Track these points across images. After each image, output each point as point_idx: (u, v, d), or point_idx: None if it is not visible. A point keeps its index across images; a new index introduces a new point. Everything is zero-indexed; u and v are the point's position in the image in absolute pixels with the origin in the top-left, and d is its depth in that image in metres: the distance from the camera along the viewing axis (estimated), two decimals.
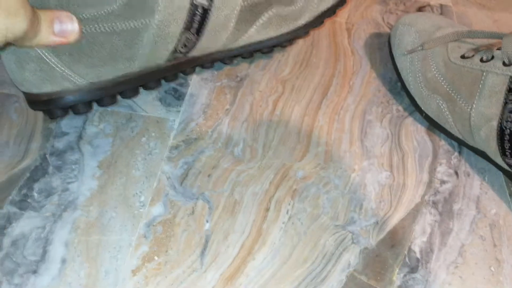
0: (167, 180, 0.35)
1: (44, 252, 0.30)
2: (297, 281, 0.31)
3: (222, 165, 0.37)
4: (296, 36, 0.43)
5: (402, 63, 0.42)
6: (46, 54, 0.30)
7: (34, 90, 0.32)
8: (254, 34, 0.39)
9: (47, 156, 0.36)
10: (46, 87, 0.32)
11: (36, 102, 0.33)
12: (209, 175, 0.36)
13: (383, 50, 0.48)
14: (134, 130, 0.38)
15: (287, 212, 0.34)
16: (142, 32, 0.32)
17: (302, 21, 0.42)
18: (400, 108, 0.43)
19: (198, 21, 0.34)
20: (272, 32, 0.40)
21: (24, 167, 0.35)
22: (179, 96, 0.41)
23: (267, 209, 0.34)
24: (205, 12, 0.34)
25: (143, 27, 0.32)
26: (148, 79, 0.37)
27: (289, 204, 0.35)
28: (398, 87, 0.45)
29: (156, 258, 0.31)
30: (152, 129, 0.38)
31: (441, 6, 0.56)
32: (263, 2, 0.38)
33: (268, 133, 0.39)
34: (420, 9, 0.55)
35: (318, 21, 0.43)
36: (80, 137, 0.37)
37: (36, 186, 0.34)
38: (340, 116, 0.42)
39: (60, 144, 0.37)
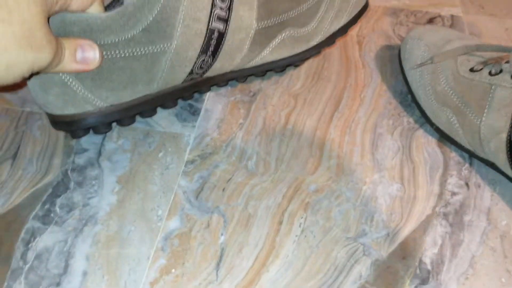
0: (183, 194, 0.36)
1: (66, 265, 0.32)
2: None
3: (236, 179, 0.38)
4: (309, 55, 0.44)
5: (412, 77, 0.43)
6: (69, 79, 0.32)
7: (57, 112, 0.34)
8: (268, 55, 0.41)
9: (69, 172, 0.37)
10: (68, 110, 0.34)
11: (58, 123, 0.35)
12: (223, 189, 0.37)
13: (394, 63, 0.49)
14: (152, 146, 0.40)
15: (299, 225, 0.35)
16: (160, 56, 0.34)
17: (314, 41, 0.43)
18: (411, 120, 0.44)
19: (214, 44, 0.36)
20: (285, 53, 0.42)
21: (46, 183, 0.36)
22: (194, 112, 0.42)
23: (280, 222, 0.35)
24: (221, 36, 0.36)
25: (161, 52, 0.34)
26: (165, 100, 0.39)
27: (302, 217, 0.36)
28: (408, 99, 0.45)
29: (173, 270, 0.32)
30: (169, 144, 0.40)
31: (452, 16, 0.56)
32: (276, 25, 0.39)
33: (281, 147, 0.41)
34: (430, 20, 0.56)
35: (330, 40, 0.44)
36: (99, 153, 0.39)
37: (59, 201, 0.35)
38: (351, 129, 0.43)
39: (80, 160, 0.38)
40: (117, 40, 0.32)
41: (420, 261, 0.34)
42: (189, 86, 0.39)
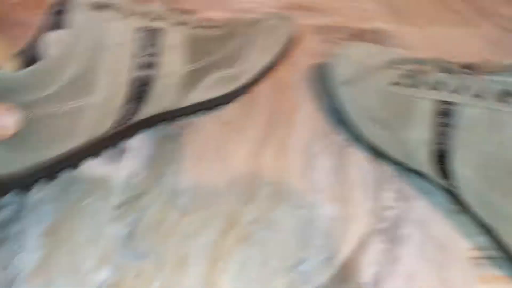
0: (113, 242, 0.35)
1: None
2: None
3: (169, 218, 0.37)
4: (239, 94, 0.44)
5: (341, 94, 0.43)
6: None
7: None
8: (197, 96, 0.40)
9: None
10: None
11: None
12: (156, 232, 0.36)
13: (323, 81, 0.49)
14: (76, 194, 0.38)
15: (236, 261, 0.34)
16: (84, 111, 0.33)
17: (243, 80, 0.43)
18: (343, 138, 0.44)
19: (140, 92, 0.35)
20: (215, 93, 0.42)
21: None
22: (121, 152, 0.41)
23: (218, 259, 0.34)
24: (147, 83, 0.35)
25: (85, 105, 0.32)
26: (90, 152, 0.37)
27: (239, 252, 0.35)
28: (337, 117, 0.46)
29: None
30: (96, 190, 0.38)
31: (375, 29, 0.58)
32: (204, 67, 0.39)
33: (214, 179, 0.40)
34: (357, 35, 0.57)
35: (259, 77, 0.44)
36: (21, 207, 0.37)
37: None
38: (284, 151, 0.42)
39: (2, 215, 0.36)
40: (36, 98, 0.30)
41: (361, 282, 0.33)
42: (115, 134, 0.38)
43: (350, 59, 0.44)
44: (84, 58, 0.31)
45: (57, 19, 0.34)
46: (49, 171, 0.35)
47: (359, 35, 0.57)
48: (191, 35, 0.38)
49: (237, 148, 0.42)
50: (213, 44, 0.40)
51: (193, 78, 0.39)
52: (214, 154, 0.42)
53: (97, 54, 0.32)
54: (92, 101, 0.33)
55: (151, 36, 0.35)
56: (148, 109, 0.38)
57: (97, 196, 0.38)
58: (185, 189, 0.39)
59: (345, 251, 0.35)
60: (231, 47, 0.41)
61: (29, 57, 0.34)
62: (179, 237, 0.35)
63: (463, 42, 0.59)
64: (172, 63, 0.37)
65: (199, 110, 0.43)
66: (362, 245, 0.36)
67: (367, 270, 0.34)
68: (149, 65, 0.35)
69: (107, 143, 0.39)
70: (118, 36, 0.33)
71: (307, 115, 0.46)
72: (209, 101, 0.42)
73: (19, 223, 0.36)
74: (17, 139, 0.31)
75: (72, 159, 0.37)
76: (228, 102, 0.45)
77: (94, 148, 0.38)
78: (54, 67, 0.30)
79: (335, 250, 0.35)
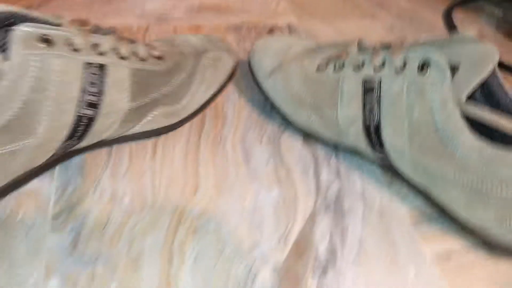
0: (57, 252, 0.33)
1: None
2: None
3: (114, 220, 0.35)
4: (180, 125, 0.43)
5: (267, 85, 0.44)
6: None
7: None
8: (137, 129, 0.39)
9: None
10: None
11: None
12: (102, 235, 0.34)
13: (247, 76, 0.50)
14: (7, 209, 0.35)
15: (190, 254, 0.34)
16: (21, 152, 0.31)
17: (186, 114, 0.43)
18: (275, 126, 0.45)
19: (81, 130, 0.34)
20: (156, 126, 0.41)
21: None
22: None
23: (171, 256, 0.33)
24: (90, 120, 0.34)
25: (22, 148, 0.31)
26: (23, 181, 0.36)
27: (191, 245, 0.34)
28: (268, 107, 0.47)
29: None
30: (27, 203, 0.35)
31: (288, 25, 0.60)
32: (149, 103, 0.38)
33: (154, 178, 0.39)
34: (270, 31, 0.59)
35: (201, 110, 0.44)
36: None
37: None
38: (220, 147, 0.42)
39: None
40: None
41: (316, 255, 0.34)
42: (51, 162, 0.36)
43: (271, 51, 0.45)
44: (21, 102, 0.29)
45: None
46: None
47: (273, 31, 0.59)
48: (136, 72, 0.37)
49: (173, 146, 0.42)
50: (158, 80, 0.39)
51: (137, 114, 0.38)
52: (149, 154, 0.41)
53: (36, 96, 0.30)
54: (29, 143, 0.31)
55: (98, 72, 0.34)
56: (88, 142, 0.37)
57: (31, 209, 0.35)
58: (125, 191, 0.37)
59: (295, 230, 0.36)
60: (176, 84, 0.40)
61: None
62: (127, 239, 0.34)
63: (366, 31, 0.64)
64: (116, 102, 0.36)
65: (138, 139, 0.42)
66: (311, 222, 0.37)
67: (320, 244, 0.35)
68: (93, 104, 0.34)
69: (42, 171, 0.37)
70: (66, 74, 0.31)
71: (237, 109, 0.46)
72: (150, 131, 0.41)
73: None
74: None
75: (5, 191, 0.35)
76: (168, 132, 0.44)
77: (29, 177, 0.36)
78: None
79: (286, 230, 0.36)
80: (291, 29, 0.60)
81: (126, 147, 0.41)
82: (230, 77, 0.46)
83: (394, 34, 0.65)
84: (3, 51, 0.32)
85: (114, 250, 0.33)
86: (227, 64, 0.45)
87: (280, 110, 0.44)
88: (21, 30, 0.29)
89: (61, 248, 0.33)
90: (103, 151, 0.40)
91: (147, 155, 0.40)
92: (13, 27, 0.29)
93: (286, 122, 0.45)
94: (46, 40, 0.30)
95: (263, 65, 0.45)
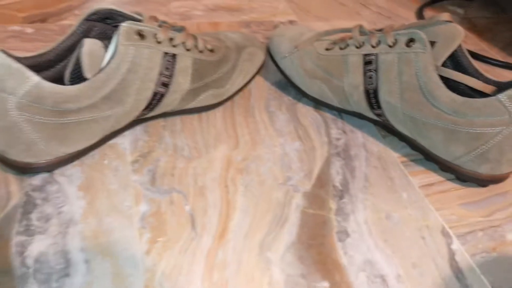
0: (141, 186, 0.43)
1: (67, 260, 0.36)
2: (268, 225, 0.41)
3: (179, 165, 0.46)
4: (220, 104, 0.54)
5: (285, 64, 0.56)
6: (37, 139, 0.39)
7: (17, 159, 0.40)
8: (192, 105, 0.50)
9: (30, 192, 0.41)
10: (29, 159, 0.40)
11: (14, 166, 0.41)
12: (172, 175, 0.45)
13: (268, 59, 0.61)
14: (95, 157, 0.45)
15: (241, 184, 0.45)
16: (113, 117, 0.42)
17: (227, 95, 0.53)
18: (290, 98, 0.57)
19: (155, 103, 0.45)
20: (205, 104, 0.52)
21: (14, 205, 0.40)
22: None
23: (227, 186, 0.44)
24: (161, 96, 0.45)
25: (114, 114, 0.42)
26: (104, 141, 0.47)
27: (241, 179, 0.45)
28: (283, 83, 0.58)
29: (159, 239, 0.39)
30: (109, 153, 0.46)
31: (290, 22, 0.72)
32: (202, 86, 0.49)
33: (204, 136, 0.49)
34: (275, 26, 0.70)
35: (237, 93, 0.56)
36: (51, 172, 0.43)
37: (33, 216, 0.39)
38: (250, 113, 0.53)
39: (36, 181, 0.42)
40: (82, 106, 0.39)
41: (333, 185, 0.46)
42: (127, 125, 0.47)
43: (287, 37, 0.57)
44: (120, 79, 0.40)
45: (92, 25, 0.43)
46: (74, 158, 0.44)
47: (278, 26, 0.71)
48: (196, 61, 0.48)
49: (214, 113, 0.53)
50: (210, 68, 0.50)
51: (193, 94, 0.49)
52: (196, 119, 0.51)
53: (130, 76, 0.41)
54: (119, 110, 0.42)
55: (171, 60, 0.45)
56: (155, 112, 0.48)
57: (114, 157, 0.45)
58: (183, 144, 0.48)
59: (316, 169, 0.47)
60: (222, 72, 0.51)
61: (61, 53, 0.42)
62: (192, 176, 0.45)
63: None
64: (181, 83, 0.47)
65: (191, 112, 0.53)
66: (327, 163, 0.48)
67: (335, 178, 0.47)
68: (165, 84, 0.45)
69: (118, 132, 0.48)
70: (151, 60, 0.42)
71: (259, 85, 0.58)
72: (200, 107, 0.52)
73: (55, 184, 0.42)
74: (61, 139, 0.40)
75: (92, 148, 0.45)
76: (214, 108, 0.55)
77: (109, 135, 0.47)
78: (97, 85, 0.39)
79: (309, 169, 0.47)
80: (292, 25, 0.71)
81: (178, 114, 0.51)
82: (260, 68, 0.57)
83: (376, 27, 0.77)
84: (104, 38, 0.43)
85: (184, 184, 0.44)
86: (259, 59, 0.56)
87: (295, 84, 0.56)
88: (125, 26, 0.40)
89: (142, 183, 0.43)
90: (160, 120, 0.51)
91: (195, 119, 0.51)
92: (121, 24, 0.40)
93: (300, 95, 0.56)
94: (140, 34, 0.41)
95: (281, 48, 0.56)
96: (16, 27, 0.64)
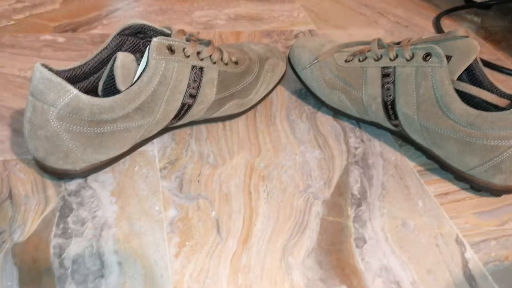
0: (169, 192, 0.46)
1: (102, 261, 0.39)
2: (289, 231, 0.43)
3: (204, 172, 0.48)
4: (244, 113, 0.57)
5: (305, 75, 0.58)
6: (75, 147, 0.42)
7: (54, 166, 0.43)
8: (217, 114, 0.53)
9: (66, 197, 0.44)
10: (66, 166, 0.43)
11: (51, 172, 0.44)
12: (198, 181, 0.47)
13: (290, 69, 0.64)
14: (126, 164, 0.48)
15: (264, 191, 0.47)
16: (144, 126, 0.45)
17: (250, 105, 0.56)
18: (310, 107, 0.59)
19: (183, 113, 0.48)
20: (229, 113, 0.54)
21: (52, 209, 0.43)
22: None
23: (250, 193, 0.47)
24: (189, 107, 0.48)
25: (146, 123, 0.45)
26: (139, 145, 0.50)
27: (263, 186, 0.47)
28: (303, 93, 0.60)
29: (187, 243, 0.41)
30: (139, 160, 0.48)
31: (310, 31, 0.74)
32: (228, 96, 0.52)
33: (228, 143, 0.52)
34: (296, 36, 0.73)
35: (259, 102, 0.58)
36: (85, 178, 0.46)
37: (70, 219, 0.42)
38: (272, 121, 0.56)
39: (72, 186, 0.45)
40: (116, 117, 0.42)
41: (352, 193, 0.48)
42: (156, 134, 0.50)
43: (308, 48, 0.59)
44: (152, 91, 0.43)
45: (124, 39, 0.46)
46: (108, 165, 0.47)
47: (298, 36, 0.73)
48: (221, 73, 0.50)
49: (236, 122, 0.55)
50: (235, 79, 0.52)
51: (219, 104, 0.51)
52: (220, 127, 0.54)
53: (161, 88, 0.44)
54: (150, 120, 0.45)
55: (199, 73, 0.47)
56: (183, 121, 0.51)
57: (143, 164, 0.48)
58: (208, 152, 0.50)
59: (335, 177, 0.49)
60: (246, 83, 0.54)
61: (95, 66, 0.45)
62: (217, 183, 0.47)
63: (372, 35, 0.78)
64: (207, 94, 0.49)
65: (216, 121, 0.55)
66: (346, 172, 0.50)
67: (354, 186, 0.49)
68: (193, 95, 0.47)
69: (148, 140, 0.50)
70: (180, 73, 0.45)
71: (279, 95, 0.60)
72: (225, 116, 0.55)
73: (89, 189, 0.45)
74: (97, 147, 0.43)
75: (124, 155, 0.48)
76: (238, 117, 0.57)
77: (140, 143, 0.49)
78: (131, 97, 0.42)
79: (329, 177, 0.49)
80: (312, 34, 0.73)
81: (203, 123, 0.54)
82: (281, 78, 0.60)
83: (394, 36, 0.79)
84: (136, 52, 0.46)
85: (209, 190, 0.46)
86: (281, 70, 0.58)
87: (315, 94, 0.58)
88: (156, 41, 0.42)
89: (171, 189, 0.46)
90: (185, 128, 0.53)
91: (219, 127, 0.54)
92: (153, 39, 0.42)
93: (319, 104, 0.58)
94: (170, 49, 0.43)
95: (302, 59, 0.58)
96: (48, 37, 0.67)
